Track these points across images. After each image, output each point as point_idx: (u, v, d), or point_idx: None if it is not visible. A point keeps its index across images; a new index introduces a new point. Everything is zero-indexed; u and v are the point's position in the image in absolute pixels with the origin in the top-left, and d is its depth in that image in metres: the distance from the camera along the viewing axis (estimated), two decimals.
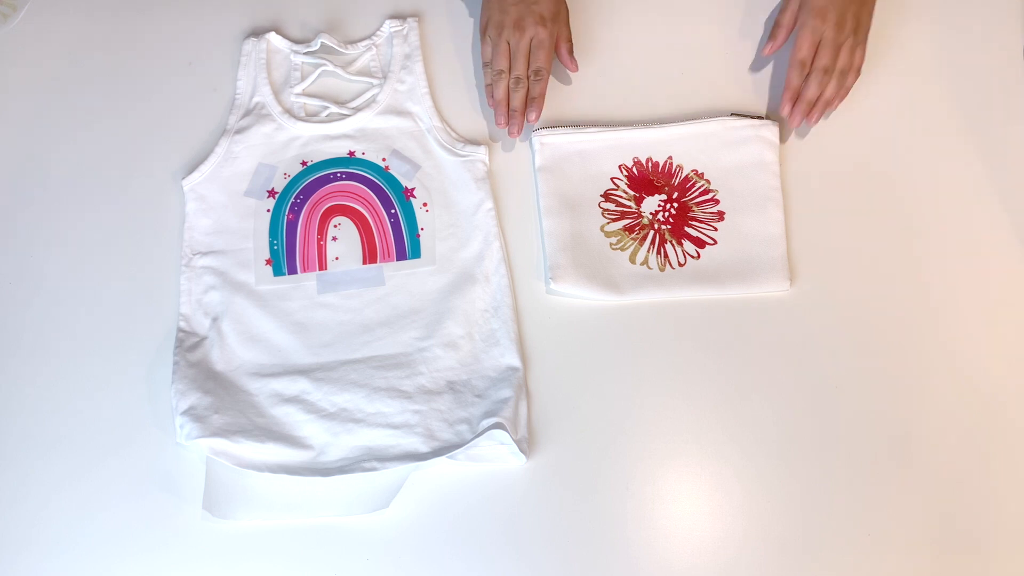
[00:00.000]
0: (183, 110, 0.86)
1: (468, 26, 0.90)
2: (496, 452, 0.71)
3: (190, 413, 0.70)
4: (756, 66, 0.86)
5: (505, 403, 0.71)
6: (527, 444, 0.71)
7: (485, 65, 0.83)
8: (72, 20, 0.91)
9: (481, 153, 0.82)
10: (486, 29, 0.83)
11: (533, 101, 0.81)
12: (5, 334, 0.77)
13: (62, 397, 0.75)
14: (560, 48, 0.83)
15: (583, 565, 0.68)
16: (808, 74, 0.80)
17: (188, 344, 0.75)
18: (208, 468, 0.70)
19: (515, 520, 0.70)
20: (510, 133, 0.82)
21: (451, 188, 0.81)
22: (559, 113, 0.84)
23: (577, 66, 0.84)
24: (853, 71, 0.81)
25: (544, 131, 0.82)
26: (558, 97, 0.85)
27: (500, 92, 0.81)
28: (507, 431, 0.68)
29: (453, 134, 0.83)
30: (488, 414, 0.70)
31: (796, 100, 0.80)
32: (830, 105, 0.81)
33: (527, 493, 0.70)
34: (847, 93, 0.81)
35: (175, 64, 0.88)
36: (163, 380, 0.74)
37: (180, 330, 0.76)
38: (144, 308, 0.78)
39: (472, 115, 0.85)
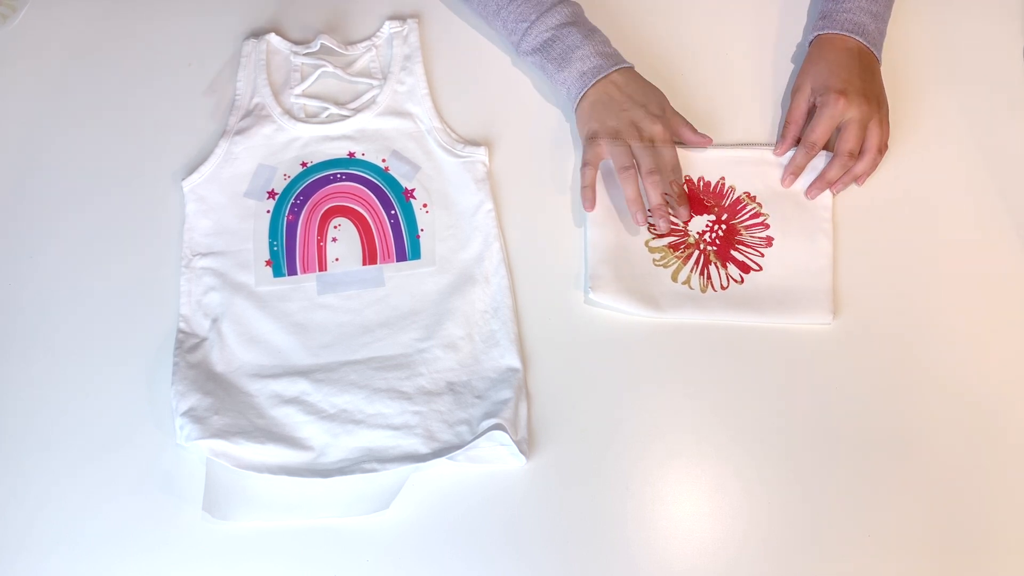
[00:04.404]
0: (183, 111, 0.86)
1: (468, 27, 0.90)
2: (496, 453, 0.71)
3: (190, 414, 0.70)
4: None
5: (505, 404, 0.71)
6: (527, 445, 0.71)
7: (585, 165, 0.79)
8: (72, 20, 0.91)
9: (481, 154, 0.82)
10: (594, 137, 0.80)
11: (679, 198, 0.78)
12: (4, 334, 0.77)
13: (62, 398, 0.74)
14: (683, 133, 0.81)
15: (583, 566, 0.68)
16: (834, 157, 0.79)
17: (188, 345, 0.75)
18: (208, 469, 0.70)
19: (515, 521, 0.70)
20: (658, 227, 0.78)
21: (451, 189, 0.81)
22: None
23: (710, 139, 0.81)
24: (884, 148, 0.80)
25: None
26: None
27: (631, 191, 0.77)
28: (507, 432, 0.68)
29: (453, 135, 0.83)
30: (488, 415, 0.70)
31: (797, 173, 0.80)
32: (858, 180, 0.80)
33: (527, 494, 0.70)
34: (875, 168, 0.80)
35: (175, 65, 0.88)
36: (163, 381, 0.74)
37: (180, 331, 0.76)
38: (144, 309, 0.77)
39: (472, 116, 0.85)
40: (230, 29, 0.89)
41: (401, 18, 0.89)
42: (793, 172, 0.80)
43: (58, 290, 0.79)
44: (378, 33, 0.88)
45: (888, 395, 0.73)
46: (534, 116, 0.86)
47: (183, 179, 0.81)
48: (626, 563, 0.68)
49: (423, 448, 0.71)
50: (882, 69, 0.83)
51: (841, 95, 0.78)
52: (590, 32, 0.83)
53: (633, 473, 0.71)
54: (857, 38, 0.81)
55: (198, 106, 0.86)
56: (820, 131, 0.79)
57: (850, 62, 0.81)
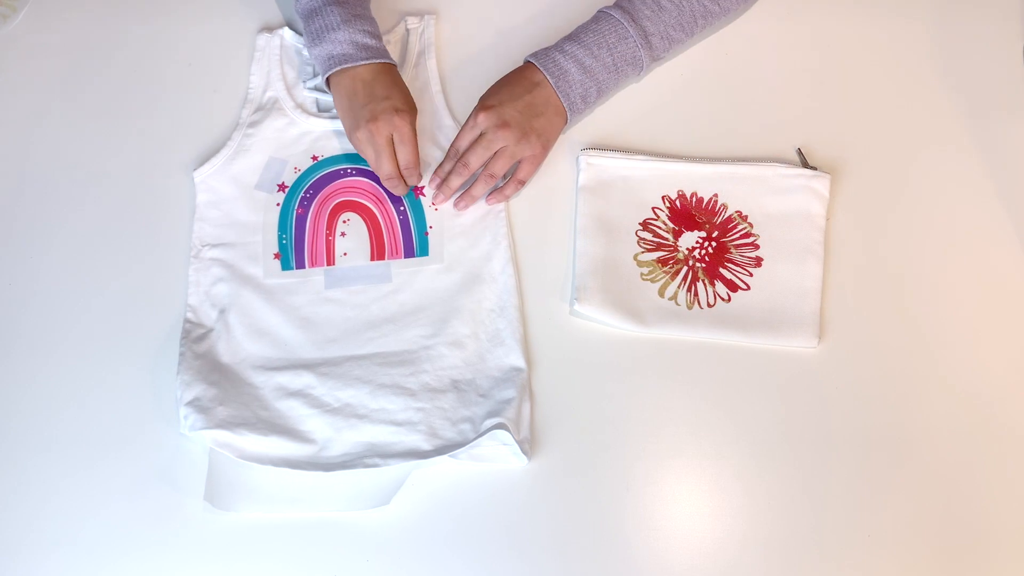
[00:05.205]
0: (194, 106, 0.85)
1: (481, 25, 0.89)
2: (498, 452, 0.71)
3: (194, 404, 0.70)
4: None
5: (508, 403, 0.71)
6: (529, 445, 0.71)
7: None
8: (72, 20, 0.91)
9: None
10: (351, 135, 0.79)
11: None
12: (10, 327, 0.77)
13: (67, 390, 0.74)
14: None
15: (583, 565, 0.68)
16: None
17: (195, 335, 0.75)
18: (211, 459, 0.70)
19: (516, 520, 0.70)
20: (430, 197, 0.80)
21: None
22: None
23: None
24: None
25: (591, 152, 0.81)
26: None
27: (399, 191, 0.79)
28: (509, 432, 0.68)
29: None
30: (491, 414, 0.70)
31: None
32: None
33: (528, 493, 0.70)
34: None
35: (178, 63, 0.88)
36: (168, 373, 0.74)
37: (187, 321, 0.76)
38: (151, 301, 0.77)
39: None
40: (232, 26, 0.89)
41: (418, 14, 0.89)
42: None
43: (65, 284, 0.78)
44: (395, 29, 0.88)
45: (888, 395, 0.74)
46: None
47: (194, 170, 0.81)
48: (626, 563, 0.69)
49: (425, 445, 0.71)
50: (882, 69, 0.83)
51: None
52: (353, 18, 0.80)
53: (633, 473, 0.71)
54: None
55: (211, 100, 0.86)
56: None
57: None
